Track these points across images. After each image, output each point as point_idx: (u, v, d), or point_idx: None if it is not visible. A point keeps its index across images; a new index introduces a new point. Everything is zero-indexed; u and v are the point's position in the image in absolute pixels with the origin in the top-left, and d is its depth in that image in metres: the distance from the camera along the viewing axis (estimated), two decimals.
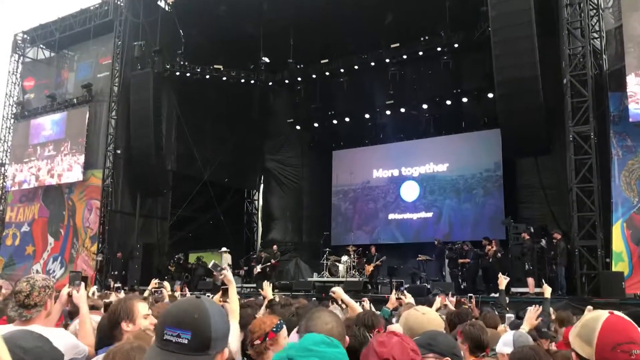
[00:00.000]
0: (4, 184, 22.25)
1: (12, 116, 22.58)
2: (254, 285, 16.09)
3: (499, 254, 14.06)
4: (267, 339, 2.81)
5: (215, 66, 19.55)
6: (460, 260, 14.90)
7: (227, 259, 17.89)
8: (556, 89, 13.25)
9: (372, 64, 18.86)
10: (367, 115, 20.81)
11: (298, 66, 19.98)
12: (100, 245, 18.22)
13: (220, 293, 4.65)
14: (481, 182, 18.95)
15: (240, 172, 22.75)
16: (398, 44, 18.14)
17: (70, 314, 4.28)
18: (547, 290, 6.39)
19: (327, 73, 19.85)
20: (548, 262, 13.27)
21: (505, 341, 3.40)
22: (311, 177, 22.96)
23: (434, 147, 19.96)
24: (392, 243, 19.95)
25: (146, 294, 6.80)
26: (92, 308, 4.09)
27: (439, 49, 17.41)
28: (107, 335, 2.82)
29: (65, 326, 3.84)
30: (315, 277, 17.25)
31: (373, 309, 6.56)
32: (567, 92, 12.70)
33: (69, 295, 3.39)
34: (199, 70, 19.31)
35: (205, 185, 20.26)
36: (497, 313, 5.80)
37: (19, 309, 2.78)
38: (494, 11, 13.46)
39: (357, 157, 21.74)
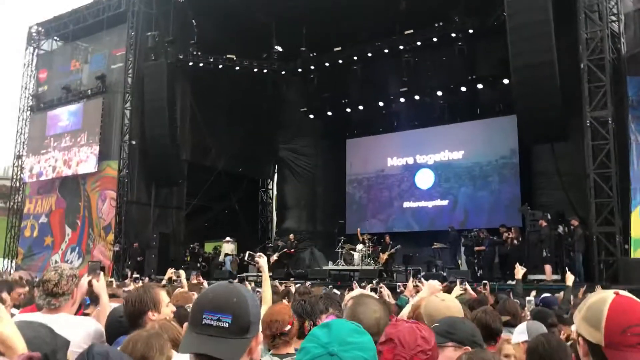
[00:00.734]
0: (21, 175, 22.49)
1: (29, 108, 22.77)
2: (270, 274, 16.17)
3: (516, 241, 14.00)
4: (292, 328, 2.82)
5: (228, 56, 19.53)
6: (477, 248, 14.88)
7: (228, 248, 18.04)
8: (573, 74, 13.06)
9: (386, 51, 18.71)
10: (381, 103, 20.71)
11: (311, 54, 19.89)
12: (117, 236, 18.39)
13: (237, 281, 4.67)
14: (497, 169, 18.82)
15: (254, 162, 22.80)
16: (412, 31, 17.96)
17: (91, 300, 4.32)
18: (570, 279, 6.35)
19: (340, 61, 19.73)
20: (565, 249, 13.17)
21: (520, 330, 3.40)
22: (325, 165, 22.95)
23: (448, 135, 19.82)
24: (407, 231, 19.92)
25: (164, 283, 6.87)
26: (112, 296, 4.12)
27: (453, 35, 17.24)
28: (131, 323, 2.84)
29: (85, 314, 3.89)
30: (331, 266, 17.30)
31: (390, 296, 6.59)
32: (585, 77, 12.54)
33: (90, 285, 3.43)
34: (211, 60, 19.32)
35: (219, 174, 20.34)
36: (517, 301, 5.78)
37: (47, 297, 2.83)
38: None
39: (371, 146, 21.66)
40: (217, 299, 1.50)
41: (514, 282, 12.18)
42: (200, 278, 11.38)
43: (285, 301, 4.77)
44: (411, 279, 6.56)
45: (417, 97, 19.60)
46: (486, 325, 3.19)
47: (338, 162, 22.28)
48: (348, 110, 21.44)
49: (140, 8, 19.00)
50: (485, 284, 8.02)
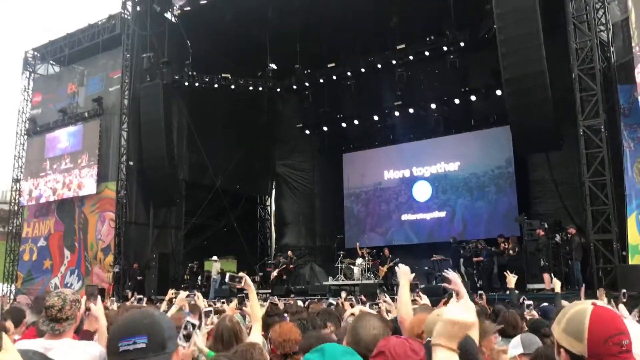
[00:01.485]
0: (19, 199, 22.51)
1: (25, 132, 22.85)
2: (269, 290, 16.17)
3: (511, 252, 14.07)
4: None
5: (223, 75, 19.70)
6: (475, 259, 14.92)
7: (217, 267, 18.03)
8: (565, 83, 13.21)
9: (379, 65, 18.89)
10: (375, 117, 20.85)
11: (305, 71, 20.07)
12: (116, 257, 18.39)
13: (235, 301, 4.68)
14: (493, 180, 18.91)
15: (251, 179, 22.88)
16: (404, 45, 18.16)
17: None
18: (557, 285, 6.39)
19: (334, 77, 19.91)
20: (563, 257, 13.22)
21: (514, 344, 3.44)
22: (322, 180, 23.03)
23: (444, 146, 19.94)
24: (406, 244, 19.94)
25: (164, 305, 6.87)
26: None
27: (445, 48, 17.41)
28: None
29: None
30: (331, 281, 17.31)
31: (391, 311, 6.60)
32: (576, 86, 12.67)
33: (87, 309, 3.48)
34: (207, 79, 19.49)
35: (217, 193, 20.40)
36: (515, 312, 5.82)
37: (51, 322, 2.86)
38: (498, 9, 13.48)
39: (367, 159, 21.76)
40: (129, 325, 1.56)
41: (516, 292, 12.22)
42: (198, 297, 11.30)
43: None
44: (409, 293, 6.54)
45: (411, 110, 19.76)
46: None
47: (335, 176, 22.37)
48: (343, 125, 21.58)
49: (135, 30, 19.17)
50: (481, 295, 8.04)
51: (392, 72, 18.78)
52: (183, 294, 6.76)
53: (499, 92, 16.16)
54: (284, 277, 17.19)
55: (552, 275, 9.86)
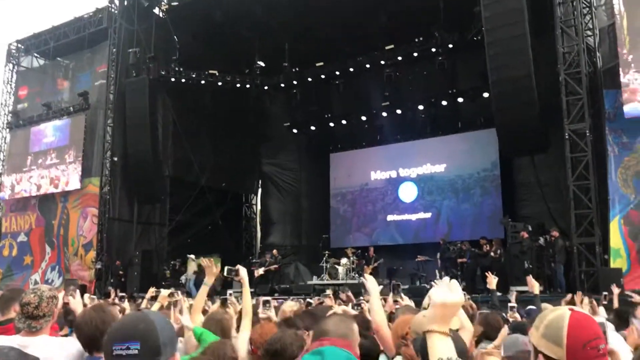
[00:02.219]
0: (0, 194, 22.17)
1: (7, 126, 22.54)
2: (253, 289, 16.09)
3: (493, 254, 14.14)
4: None
5: (210, 71, 19.57)
6: (459, 260, 14.99)
7: (193, 266, 17.85)
8: (551, 87, 13.31)
9: (367, 65, 18.90)
10: (363, 117, 20.85)
11: (293, 70, 20.00)
12: (99, 253, 18.20)
13: (218, 302, 4.63)
14: (479, 182, 19.00)
15: (237, 177, 22.76)
16: (393, 46, 18.18)
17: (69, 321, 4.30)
18: (535, 287, 6.39)
19: (323, 76, 19.87)
20: (546, 260, 13.31)
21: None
22: (309, 180, 22.99)
23: (431, 148, 20.01)
24: (392, 244, 19.98)
25: (144, 303, 6.78)
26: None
27: (433, 49, 17.45)
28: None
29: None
30: (315, 280, 17.26)
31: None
32: (562, 90, 12.77)
33: (66, 304, 3.41)
34: (194, 75, 19.34)
35: (202, 190, 20.26)
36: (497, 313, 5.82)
37: (27, 320, 2.80)
38: (487, 11, 13.52)
39: (354, 159, 21.76)
40: (124, 329, 1.54)
41: (498, 294, 12.24)
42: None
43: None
44: (390, 293, 6.57)
45: (399, 111, 19.79)
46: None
47: (322, 176, 22.34)
48: (331, 124, 21.56)
49: (122, 25, 18.98)
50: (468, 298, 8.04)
51: (381, 72, 18.80)
52: (165, 292, 6.68)
53: (486, 95, 16.22)
54: (269, 276, 17.12)
55: (534, 277, 9.87)
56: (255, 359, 2.78)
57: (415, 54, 18.00)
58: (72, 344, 2.92)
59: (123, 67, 18.83)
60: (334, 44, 19.13)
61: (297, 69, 20.08)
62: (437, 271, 15.65)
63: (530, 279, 7.56)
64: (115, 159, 18.59)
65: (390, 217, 20.68)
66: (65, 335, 3.80)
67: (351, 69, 19.20)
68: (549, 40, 13.62)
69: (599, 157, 12.54)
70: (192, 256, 17.66)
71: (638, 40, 12.14)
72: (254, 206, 24.98)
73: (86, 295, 6.22)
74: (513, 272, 13.08)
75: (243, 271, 4.05)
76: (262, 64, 20.07)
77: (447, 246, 15.94)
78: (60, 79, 21.37)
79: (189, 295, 13.03)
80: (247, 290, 3.86)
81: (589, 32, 13.20)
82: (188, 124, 19.95)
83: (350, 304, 5.94)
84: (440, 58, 17.52)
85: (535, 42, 13.11)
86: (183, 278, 17.88)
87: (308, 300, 7.79)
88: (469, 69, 18.18)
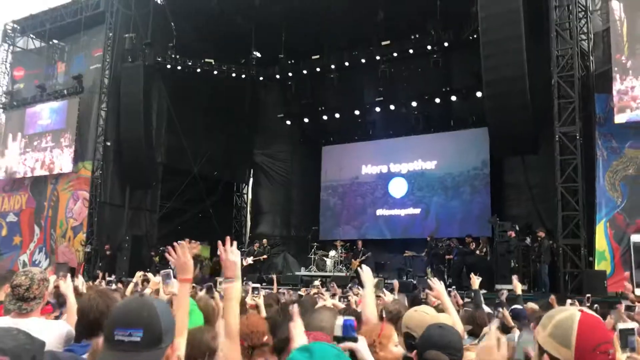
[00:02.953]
0: None
1: (1, 106, 22.42)
2: (243, 279, 16.17)
3: (478, 252, 14.30)
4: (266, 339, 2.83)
5: (206, 60, 19.56)
6: (447, 257, 15.16)
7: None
8: (544, 89, 13.42)
9: (363, 60, 18.94)
10: (357, 112, 20.91)
11: (289, 61, 20.04)
12: (88, 237, 18.22)
13: (205, 290, 4.67)
14: (469, 180, 19.12)
15: (229, 166, 22.80)
16: (389, 42, 18.23)
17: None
18: (518, 287, 6.39)
19: (318, 69, 19.91)
20: (532, 260, 13.47)
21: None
22: (300, 172, 23.05)
23: (422, 145, 20.10)
24: (380, 239, 20.12)
25: (131, 286, 6.84)
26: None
27: (429, 47, 17.52)
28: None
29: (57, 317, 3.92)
30: (303, 272, 17.38)
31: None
32: (555, 92, 12.88)
33: (56, 287, 3.47)
34: (189, 63, 19.32)
35: (194, 178, 20.30)
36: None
37: (18, 302, 2.86)
38: (483, 12, 13.59)
39: (346, 153, 21.83)
40: (128, 314, 1.55)
41: (482, 291, 12.37)
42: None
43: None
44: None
45: (392, 107, 19.86)
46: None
47: (313, 168, 22.40)
48: (324, 117, 21.61)
49: (119, 9, 18.91)
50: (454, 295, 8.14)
51: (376, 67, 18.86)
52: (156, 278, 6.73)
53: (479, 94, 16.32)
54: (257, 265, 17.23)
55: (519, 276, 10.03)
56: (241, 350, 2.81)
57: (411, 51, 18.08)
58: (62, 326, 2.99)
59: (119, 52, 18.78)
60: (330, 37, 19.17)
61: (293, 61, 20.11)
62: (427, 268, 15.80)
63: (515, 279, 7.69)
64: (109, 143, 18.59)
65: (379, 212, 20.79)
66: (56, 318, 3.86)
67: (346, 63, 19.25)
68: (543, 42, 13.72)
69: (587, 161, 12.68)
70: (183, 243, 17.61)
71: (637, 47, 12.26)
72: (245, 195, 25.03)
73: (79, 279, 6.27)
74: (499, 270, 13.25)
75: (238, 254, 4.06)
76: (258, 54, 20.09)
77: (435, 242, 16.09)
78: (59, 61, 21.26)
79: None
80: (237, 278, 3.90)
81: (583, 36, 13.31)
82: (182, 111, 19.94)
83: (337, 296, 6.01)
84: (435, 56, 17.61)
85: (529, 44, 13.20)
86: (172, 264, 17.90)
87: (299, 293, 7.86)
88: (463, 68, 18.27)
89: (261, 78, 21.17)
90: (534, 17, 13.67)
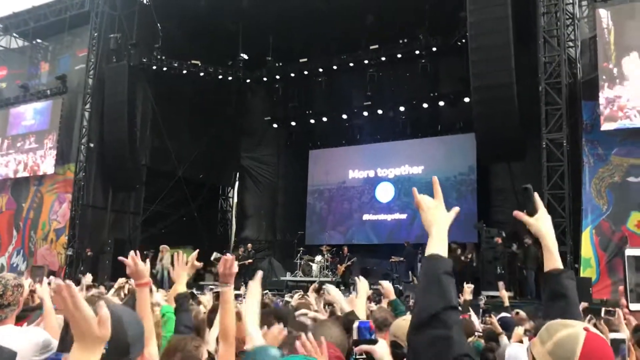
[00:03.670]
0: None
1: None
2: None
3: (463, 257, 14.27)
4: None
5: (192, 61, 19.38)
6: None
7: (167, 257, 17.39)
8: (531, 95, 13.44)
9: (351, 64, 18.92)
10: (344, 116, 20.86)
11: (277, 64, 19.93)
12: (70, 240, 17.93)
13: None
14: (455, 186, 19.12)
15: (215, 169, 22.59)
16: (377, 46, 18.23)
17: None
18: (505, 298, 6.35)
19: (306, 72, 19.84)
20: (518, 266, 13.47)
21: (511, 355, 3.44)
22: (287, 175, 22.94)
23: (409, 150, 20.09)
24: (366, 244, 20.04)
25: (112, 292, 6.68)
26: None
27: (417, 52, 17.55)
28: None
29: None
30: (289, 277, 17.25)
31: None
32: (542, 99, 12.91)
33: (32, 291, 3.34)
34: (175, 65, 19.13)
35: (179, 181, 20.07)
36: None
37: None
38: (472, 17, 13.60)
39: (333, 157, 21.76)
40: None
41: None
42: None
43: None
44: (354, 292, 6.64)
45: (380, 112, 19.84)
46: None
47: (300, 172, 22.30)
48: (312, 121, 21.52)
49: (104, 9, 18.69)
50: None
51: (364, 72, 18.85)
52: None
53: (466, 100, 16.34)
54: (242, 270, 17.04)
55: (505, 283, 9.99)
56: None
57: (399, 55, 18.08)
58: (38, 334, 2.85)
59: (104, 53, 18.56)
60: (318, 40, 19.11)
61: (281, 64, 20.01)
62: (409, 272, 15.76)
63: (501, 286, 7.63)
64: (92, 145, 18.33)
65: (366, 217, 20.73)
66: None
67: (334, 67, 19.21)
68: (530, 49, 13.76)
69: (574, 167, 12.71)
70: (166, 247, 17.37)
71: (624, 55, 12.32)
72: (231, 199, 24.84)
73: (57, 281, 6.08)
74: (485, 277, 13.22)
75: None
76: (245, 56, 19.96)
77: (414, 249, 16.06)
78: (41, 61, 20.96)
79: (159, 286, 12.90)
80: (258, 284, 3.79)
81: (570, 44, 13.37)
82: (167, 113, 19.72)
83: (322, 303, 5.92)
84: (423, 61, 17.63)
85: (517, 50, 13.22)
86: (156, 269, 17.64)
87: (286, 299, 7.75)
88: (451, 73, 18.30)
89: (248, 80, 21.06)
90: (522, 23, 13.72)
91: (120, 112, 17.92)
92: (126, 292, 6.45)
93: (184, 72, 19.32)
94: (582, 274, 12.10)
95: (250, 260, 17.34)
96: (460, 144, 18.56)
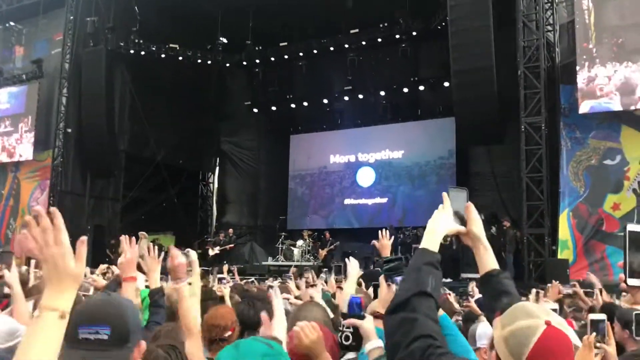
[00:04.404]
0: None
1: None
2: (208, 268, 15.96)
3: (442, 241, 14.37)
4: (233, 334, 2.78)
5: (170, 45, 19.12)
6: (414, 245, 15.22)
7: (145, 243, 17.32)
8: (510, 79, 13.50)
9: (331, 48, 18.83)
10: (325, 101, 20.81)
11: (256, 48, 19.75)
12: None
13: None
14: (435, 169, 19.26)
15: (195, 154, 22.41)
16: (357, 30, 18.15)
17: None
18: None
19: (286, 56, 19.71)
20: (497, 249, 13.61)
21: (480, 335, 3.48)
22: (268, 160, 22.84)
23: (390, 134, 20.15)
24: (348, 228, 20.13)
25: (96, 275, 6.65)
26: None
27: (397, 36, 17.53)
28: None
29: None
30: (270, 261, 17.27)
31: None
32: (521, 83, 12.99)
33: (0, 277, 3.30)
34: (154, 48, 18.85)
35: (158, 166, 19.87)
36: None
37: None
38: (452, 1, 13.60)
39: (314, 142, 21.75)
40: (94, 312, 1.48)
41: (448, 280, 12.52)
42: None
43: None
44: (332, 275, 6.80)
45: (360, 96, 19.81)
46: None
47: (281, 157, 22.24)
48: (292, 105, 21.41)
49: None
50: None
51: (344, 56, 18.79)
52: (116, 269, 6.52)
53: (447, 84, 16.38)
54: (223, 255, 17.03)
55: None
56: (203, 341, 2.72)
57: (379, 40, 18.03)
58: (5, 322, 2.80)
59: (80, 37, 18.19)
60: (298, 24, 18.98)
61: (260, 48, 19.84)
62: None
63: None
64: (69, 130, 18.04)
65: (347, 201, 20.80)
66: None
67: (315, 51, 19.10)
68: (510, 33, 13.80)
69: (552, 151, 12.84)
70: (144, 234, 17.26)
71: (604, 36, 12.41)
72: (211, 184, 24.69)
73: (33, 269, 6.00)
74: (464, 259, 13.36)
75: (193, 254, 3.94)
76: (224, 40, 19.71)
77: (402, 231, 16.17)
78: (16, 45, 20.49)
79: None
80: (196, 275, 3.78)
81: (549, 27, 13.44)
82: (146, 98, 19.42)
83: (304, 286, 5.99)
84: (403, 45, 17.63)
85: (497, 34, 13.27)
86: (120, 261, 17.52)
87: (269, 284, 7.79)
88: (431, 57, 18.31)
89: (227, 64, 20.84)
90: (503, 7, 13.73)
91: (98, 97, 17.64)
92: (110, 276, 6.43)
93: (162, 56, 19.05)
94: (559, 256, 12.30)
95: (231, 245, 17.31)
96: (440, 127, 18.65)
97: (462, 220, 1.92)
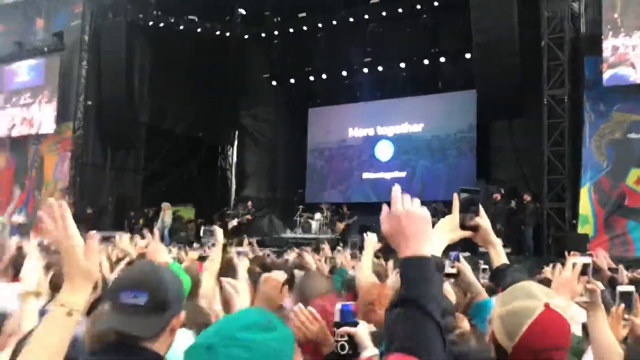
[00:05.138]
0: None
1: None
2: (229, 240, 16.11)
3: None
4: None
5: (189, 17, 19.04)
6: (432, 219, 15.19)
7: (168, 214, 17.32)
8: (533, 51, 13.25)
9: (351, 20, 18.58)
10: (344, 73, 20.59)
11: (275, 20, 19.59)
12: (71, 199, 17.95)
13: (195, 253, 4.61)
14: (455, 143, 19.07)
15: (214, 127, 22.43)
16: (378, 1, 17.87)
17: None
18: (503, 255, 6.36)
19: (305, 28, 19.50)
20: (516, 223, 13.53)
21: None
22: (286, 134, 22.81)
23: (409, 107, 19.95)
24: (365, 202, 20.08)
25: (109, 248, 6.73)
26: None
27: (418, 7, 17.25)
28: None
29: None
30: (289, 234, 17.38)
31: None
32: (544, 54, 12.76)
33: (19, 247, 3.35)
34: (172, 20, 18.79)
35: (178, 139, 19.98)
36: None
37: None
38: None
39: (333, 115, 21.62)
40: (134, 278, 1.52)
41: (467, 254, 12.45)
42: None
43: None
44: (348, 250, 6.85)
45: (380, 68, 19.58)
46: None
47: (299, 130, 22.19)
48: (311, 78, 21.25)
49: None
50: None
51: (364, 27, 18.55)
52: (143, 241, 6.58)
53: (468, 56, 16.12)
54: (242, 227, 17.16)
55: (502, 240, 10.10)
56: None
57: (400, 10, 17.73)
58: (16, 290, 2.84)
59: (100, 8, 18.21)
60: None
61: (279, 19, 19.67)
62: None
63: (499, 244, 7.68)
64: (90, 102, 18.16)
65: (365, 175, 20.74)
66: None
67: (334, 22, 18.85)
68: (533, 3, 13.49)
69: (575, 124, 12.65)
70: (168, 204, 17.39)
71: (630, 5, 12.10)
72: (230, 158, 24.76)
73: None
74: None
75: (219, 232, 4.02)
76: (243, 12, 19.58)
77: None
78: (36, 17, 20.56)
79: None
80: (218, 251, 3.83)
81: None
82: (165, 70, 19.45)
83: (324, 258, 6.05)
84: (424, 16, 17.37)
85: (519, 5, 12.98)
86: (157, 227, 17.76)
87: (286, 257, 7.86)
88: (452, 29, 17.96)
89: (246, 37, 20.70)
90: None
91: (118, 69, 17.70)
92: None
93: (181, 27, 18.99)
94: (579, 230, 12.20)
95: (249, 217, 17.40)
96: (460, 101, 18.41)
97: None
